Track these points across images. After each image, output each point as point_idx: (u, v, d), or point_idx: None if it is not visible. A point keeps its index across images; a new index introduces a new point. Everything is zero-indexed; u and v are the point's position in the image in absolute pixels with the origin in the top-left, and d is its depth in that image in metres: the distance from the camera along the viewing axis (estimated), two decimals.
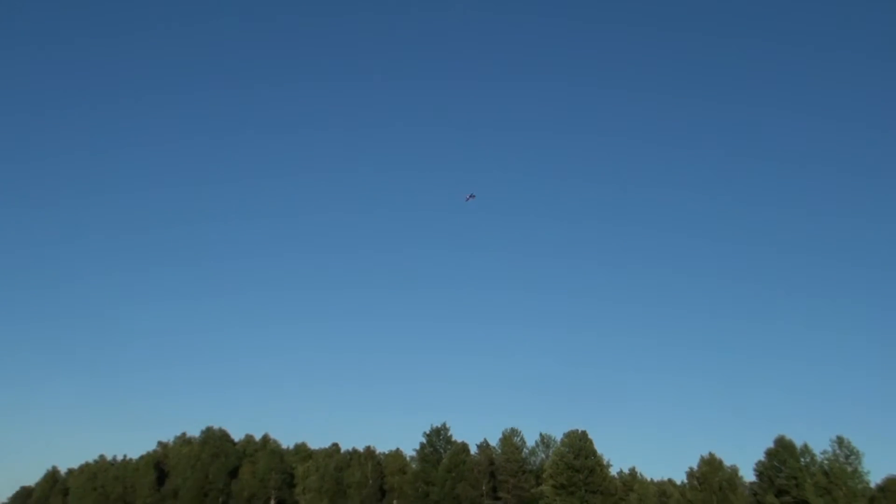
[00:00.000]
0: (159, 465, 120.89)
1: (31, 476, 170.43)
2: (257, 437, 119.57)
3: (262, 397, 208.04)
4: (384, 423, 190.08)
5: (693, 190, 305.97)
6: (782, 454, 72.59)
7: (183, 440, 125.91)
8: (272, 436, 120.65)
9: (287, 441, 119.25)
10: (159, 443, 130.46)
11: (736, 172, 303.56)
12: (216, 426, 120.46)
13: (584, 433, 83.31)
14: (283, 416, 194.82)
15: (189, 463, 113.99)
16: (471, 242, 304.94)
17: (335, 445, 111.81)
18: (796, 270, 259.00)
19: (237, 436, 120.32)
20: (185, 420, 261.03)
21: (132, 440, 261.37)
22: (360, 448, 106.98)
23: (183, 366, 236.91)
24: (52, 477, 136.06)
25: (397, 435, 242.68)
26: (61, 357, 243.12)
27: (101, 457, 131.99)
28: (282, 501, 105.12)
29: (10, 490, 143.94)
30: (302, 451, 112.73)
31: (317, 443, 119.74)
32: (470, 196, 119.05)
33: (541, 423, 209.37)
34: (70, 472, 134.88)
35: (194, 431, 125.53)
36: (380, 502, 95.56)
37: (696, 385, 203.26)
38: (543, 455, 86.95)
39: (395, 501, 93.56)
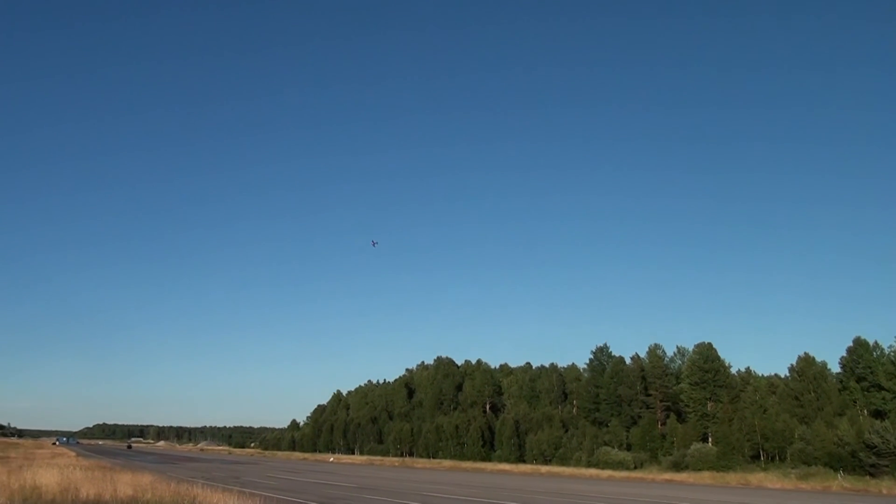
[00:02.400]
0: (408, 384, 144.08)
1: (324, 397, 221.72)
2: (473, 361, 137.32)
3: (476, 330, 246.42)
4: (563, 342, 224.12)
5: None
6: (859, 350, 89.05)
7: (423, 366, 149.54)
8: (483, 359, 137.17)
9: (494, 362, 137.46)
10: (407, 369, 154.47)
11: None
12: (444, 355, 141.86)
13: (709, 344, 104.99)
14: (490, 343, 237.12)
15: (428, 382, 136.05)
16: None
17: (528, 363, 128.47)
18: None
19: (459, 361, 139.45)
20: (424, 352, 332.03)
21: (389, 369, 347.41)
22: (546, 364, 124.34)
23: (420, 312, 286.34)
24: (337, 397, 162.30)
25: (572, 352, 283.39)
26: (354, 317, 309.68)
27: (369, 381, 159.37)
28: (493, 405, 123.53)
29: (310, 408, 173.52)
30: (505, 369, 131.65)
31: (515, 362, 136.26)
32: (374, 243, 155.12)
33: (677, 335, 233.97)
34: (349, 392, 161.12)
35: (429, 360, 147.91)
36: (563, 402, 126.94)
37: (789, 301, 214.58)
38: (680, 362, 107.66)
39: (574, 401, 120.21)
